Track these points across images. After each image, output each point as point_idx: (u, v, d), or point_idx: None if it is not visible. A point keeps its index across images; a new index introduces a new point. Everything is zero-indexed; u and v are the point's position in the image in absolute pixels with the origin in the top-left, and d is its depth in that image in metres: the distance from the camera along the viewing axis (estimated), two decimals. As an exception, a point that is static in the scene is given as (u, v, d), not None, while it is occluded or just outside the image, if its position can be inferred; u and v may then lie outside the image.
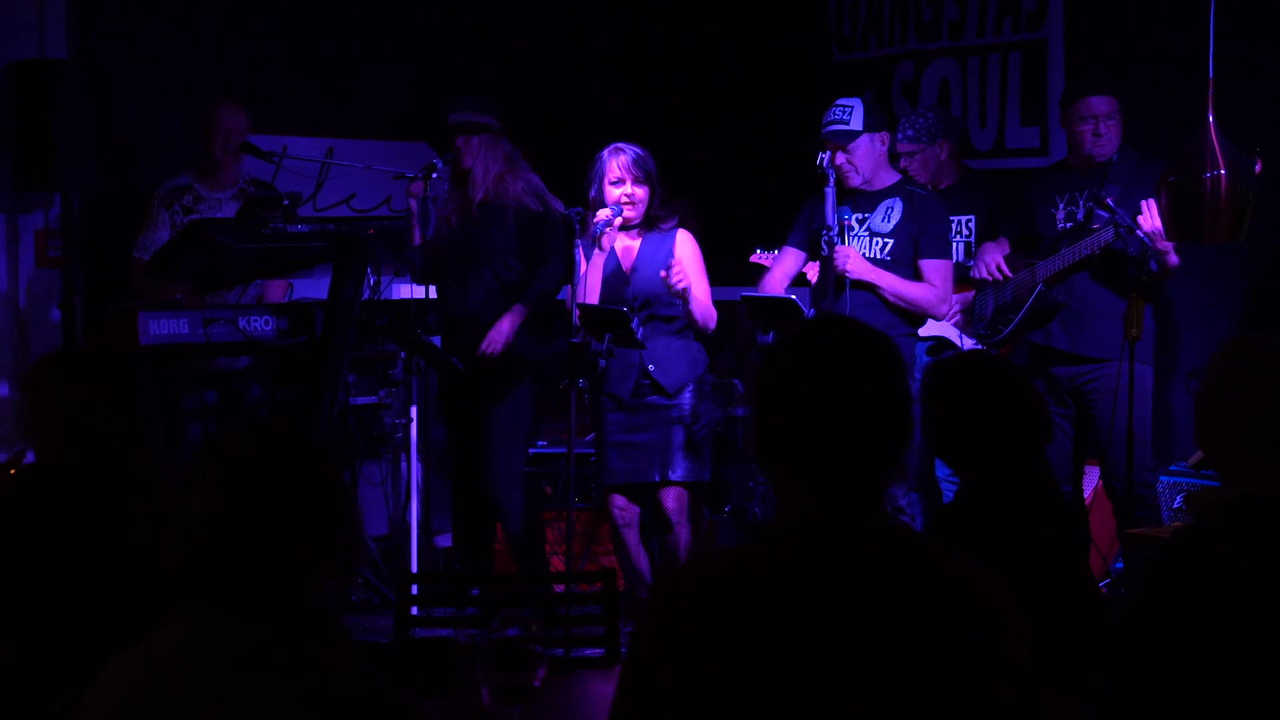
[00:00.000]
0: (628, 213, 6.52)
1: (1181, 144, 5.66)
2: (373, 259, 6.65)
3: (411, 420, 7.17)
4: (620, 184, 6.48)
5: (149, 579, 3.48)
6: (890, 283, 6.58)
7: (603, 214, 6.50)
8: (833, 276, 6.54)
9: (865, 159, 6.68)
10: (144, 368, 3.79)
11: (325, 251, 6.66)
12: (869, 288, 6.59)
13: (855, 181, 6.68)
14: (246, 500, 2.39)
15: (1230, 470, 3.10)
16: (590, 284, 6.57)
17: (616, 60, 9.85)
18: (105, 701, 2.41)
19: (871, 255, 6.64)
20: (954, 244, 7.26)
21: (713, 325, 6.62)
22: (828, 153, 6.59)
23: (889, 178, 6.78)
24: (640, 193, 6.51)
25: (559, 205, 6.85)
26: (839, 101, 6.75)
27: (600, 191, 6.52)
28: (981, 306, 6.99)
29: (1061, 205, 6.89)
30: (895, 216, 6.67)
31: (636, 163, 6.50)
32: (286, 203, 6.53)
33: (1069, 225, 6.82)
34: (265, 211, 6.47)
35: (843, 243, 6.57)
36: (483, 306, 6.91)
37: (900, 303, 6.58)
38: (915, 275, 6.65)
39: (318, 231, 6.63)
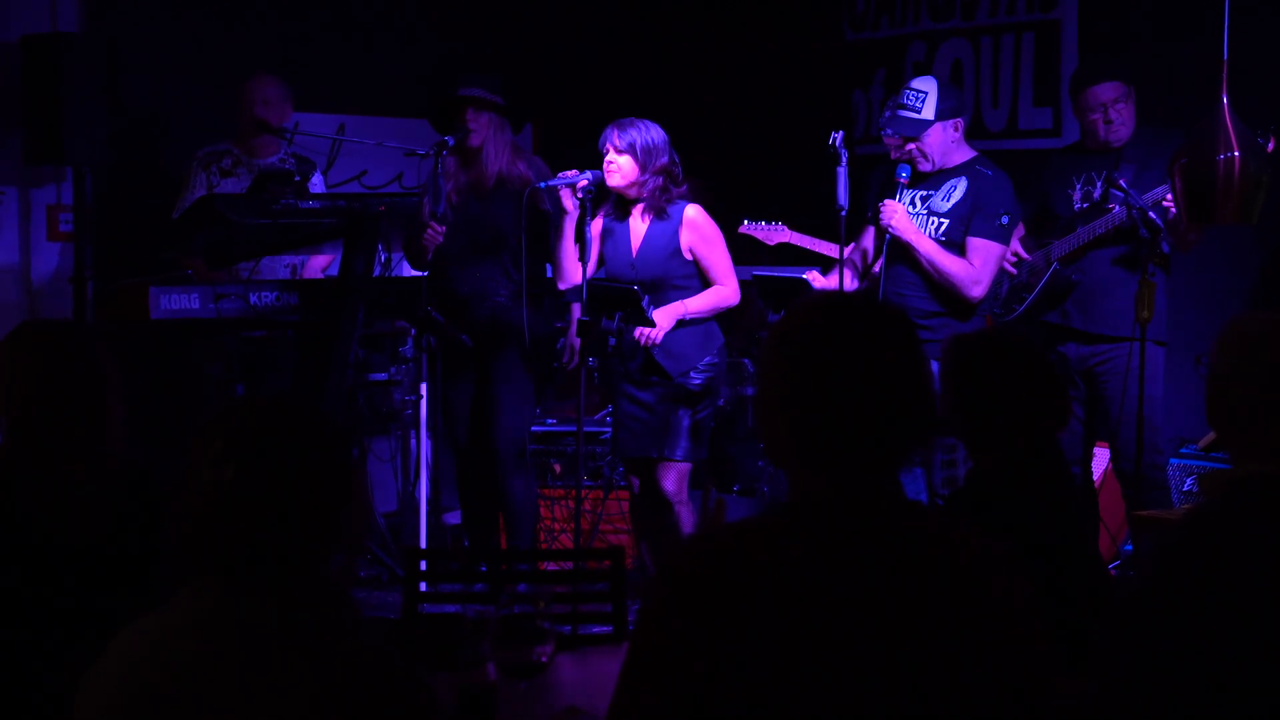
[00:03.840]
0: (611, 182, 6.43)
1: (1195, 124, 5.63)
2: (383, 236, 6.65)
3: (421, 397, 7.17)
4: (605, 153, 6.45)
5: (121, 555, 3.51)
6: (928, 249, 6.40)
7: (567, 173, 6.46)
8: (886, 243, 6.47)
9: (936, 147, 6.51)
10: (102, 338, 3.77)
11: (336, 228, 6.67)
12: (910, 263, 6.48)
13: (925, 168, 6.52)
14: (254, 469, 2.39)
15: (1239, 451, 3.10)
16: (572, 259, 6.54)
17: (625, 38, 9.84)
18: (115, 673, 2.42)
19: (927, 235, 6.48)
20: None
21: (734, 301, 6.58)
22: (840, 132, 6.51)
23: (961, 156, 6.60)
24: (622, 163, 6.42)
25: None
26: (912, 84, 6.59)
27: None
28: (996, 285, 6.96)
29: (1078, 186, 6.86)
30: (956, 196, 6.50)
31: (620, 133, 6.42)
32: (298, 179, 6.55)
33: (1085, 205, 6.80)
34: (276, 187, 6.48)
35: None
36: (486, 285, 6.88)
37: (934, 273, 6.41)
38: (963, 254, 6.47)
39: (329, 208, 6.64)
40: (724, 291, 6.56)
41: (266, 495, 2.39)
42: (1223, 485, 3.05)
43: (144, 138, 8.08)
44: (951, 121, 6.54)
